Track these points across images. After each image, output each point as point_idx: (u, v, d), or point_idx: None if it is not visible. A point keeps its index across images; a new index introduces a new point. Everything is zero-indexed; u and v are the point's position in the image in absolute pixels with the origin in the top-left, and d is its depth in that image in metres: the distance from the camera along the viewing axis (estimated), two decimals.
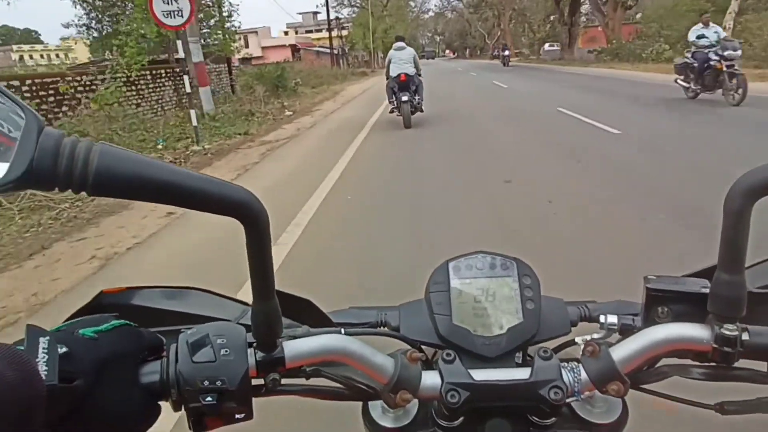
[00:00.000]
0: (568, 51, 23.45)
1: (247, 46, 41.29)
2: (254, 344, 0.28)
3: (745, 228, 0.26)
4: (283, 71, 9.94)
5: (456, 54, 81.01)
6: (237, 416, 0.26)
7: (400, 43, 5.72)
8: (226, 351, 0.26)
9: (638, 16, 25.33)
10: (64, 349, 0.22)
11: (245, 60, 33.44)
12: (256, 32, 39.17)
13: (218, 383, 0.25)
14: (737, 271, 0.27)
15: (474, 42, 65.35)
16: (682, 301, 0.31)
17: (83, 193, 0.19)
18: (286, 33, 46.89)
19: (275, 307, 0.27)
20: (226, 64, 9.50)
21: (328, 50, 22.74)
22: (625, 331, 0.33)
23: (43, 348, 0.21)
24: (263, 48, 40.07)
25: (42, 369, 0.20)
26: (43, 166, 0.18)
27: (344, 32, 30.39)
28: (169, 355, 0.27)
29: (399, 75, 5.42)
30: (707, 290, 0.29)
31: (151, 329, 0.29)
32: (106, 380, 0.24)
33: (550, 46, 35.40)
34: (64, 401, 0.21)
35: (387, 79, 5.78)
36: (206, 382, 0.25)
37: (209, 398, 0.25)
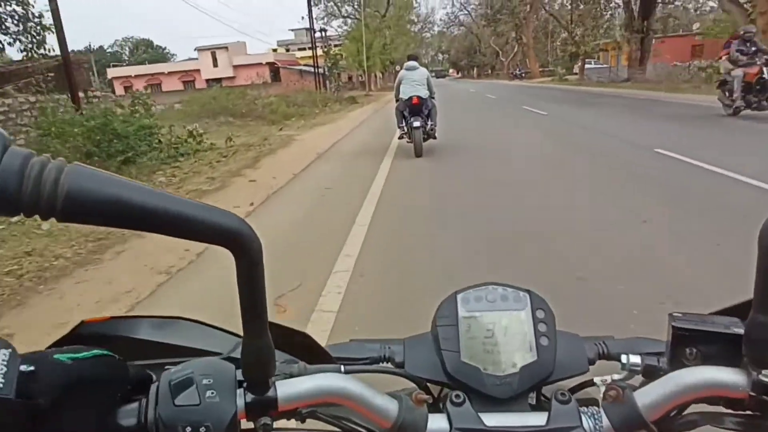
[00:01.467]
0: (637, 68, 20.54)
1: (215, 65, 38.70)
2: (244, 384, 0.31)
3: None
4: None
5: (461, 74, 79.74)
6: None
7: (413, 62, 6.04)
8: (212, 393, 0.29)
9: None
10: (31, 368, 0.26)
11: (214, 81, 32.86)
12: (227, 48, 36.82)
13: (202, 429, 0.28)
14: None
15: (483, 60, 65.12)
16: (713, 341, 0.34)
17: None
18: (274, 50, 44.32)
19: (268, 345, 0.30)
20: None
21: (313, 69, 22.59)
22: (649, 373, 0.36)
23: (3, 360, 0.24)
24: (235, 67, 37.77)
25: None
26: (5, 189, 0.20)
27: (337, 49, 29.51)
28: (149, 396, 0.30)
29: (411, 98, 5.76)
30: (740, 330, 0.32)
31: (137, 362, 0.33)
32: (73, 406, 0.27)
33: (591, 62, 32.87)
34: (18, 418, 0.24)
35: (396, 101, 6.13)
36: (189, 429, 0.28)
37: None
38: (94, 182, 0.22)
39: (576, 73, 31.48)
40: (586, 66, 32.12)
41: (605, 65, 29.62)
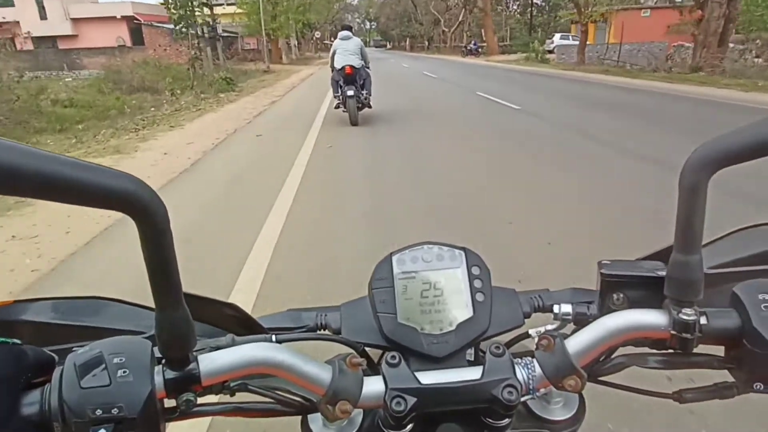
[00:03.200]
0: (716, 51, 14.20)
1: (43, 16, 31.13)
2: (162, 361, 0.35)
3: (702, 204, 0.35)
4: None
5: (390, 45, 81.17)
6: None
7: (346, 32, 7.41)
8: (124, 371, 0.33)
9: None
10: None
11: (47, 39, 27.98)
12: None
13: (115, 411, 0.32)
14: (694, 252, 0.37)
15: (420, 30, 63.87)
16: (638, 286, 0.44)
17: None
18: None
19: (184, 315, 0.34)
20: None
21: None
22: (580, 320, 0.46)
23: None
24: (75, 21, 31.53)
25: None
26: None
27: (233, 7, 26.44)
28: (52, 381, 0.33)
29: (344, 67, 7.12)
30: (663, 273, 0.40)
31: (45, 348, 0.36)
32: None
33: (564, 37, 30.82)
34: None
35: (332, 71, 7.48)
36: (99, 411, 0.31)
37: (102, 430, 0.32)
38: None
39: (551, 51, 28.00)
40: (558, 42, 28.95)
41: (576, 41, 24.27)
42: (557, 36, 33.30)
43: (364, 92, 7.69)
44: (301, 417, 0.47)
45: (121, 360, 0.34)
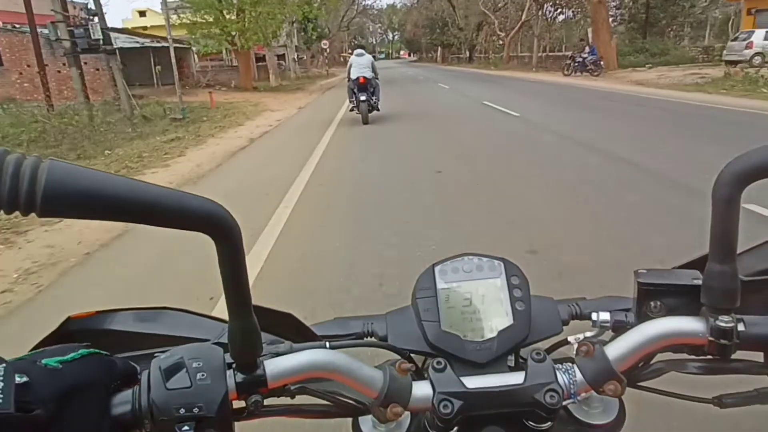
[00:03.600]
0: None
1: None
2: (233, 365, 0.41)
3: (735, 216, 0.40)
4: None
5: (416, 56, 71.96)
6: None
7: (360, 50, 10.50)
8: (203, 375, 0.39)
9: None
10: (24, 379, 0.33)
11: None
12: None
13: (195, 410, 0.38)
14: (729, 261, 0.41)
15: (460, 36, 53.18)
16: (675, 294, 0.48)
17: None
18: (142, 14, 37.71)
19: (254, 325, 0.40)
20: None
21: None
22: (618, 327, 0.50)
23: None
24: None
25: None
26: None
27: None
28: (141, 384, 0.39)
29: (358, 78, 9.96)
30: (699, 282, 0.44)
31: (124, 355, 0.43)
32: (71, 411, 0.36)
33: None
34: (20, 431, 0.32)
35: (348, 81, 10.28)
36: (182, 410, 0.37)
37: (186, 427, 0.37)
38: (71, 177, 0.30)
39: (736, 62, 16.71)
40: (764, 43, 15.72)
41: None
42: (759, 34, 17.90)
43: (374, 98, 10.40)
44: (352, 420, 0.53)
45: (199, 364, 0.40)
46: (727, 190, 0.40)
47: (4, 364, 0.34)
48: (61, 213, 0.30)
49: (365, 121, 10.10)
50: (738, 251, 0.43)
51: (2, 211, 0.29)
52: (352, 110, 10.63)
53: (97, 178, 0.31)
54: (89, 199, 0.31)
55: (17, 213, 0.30)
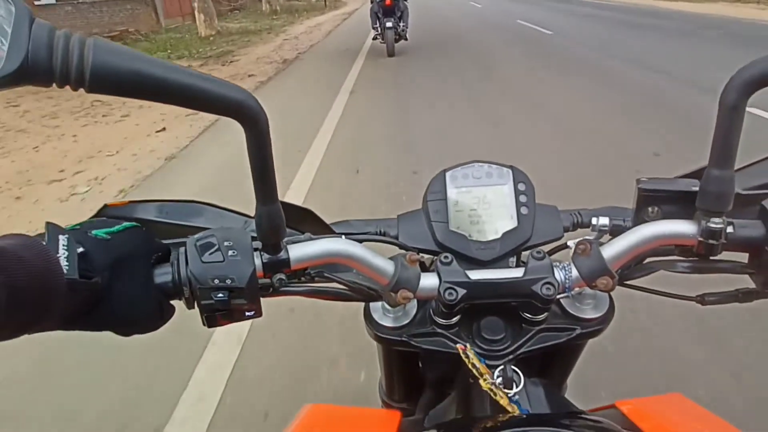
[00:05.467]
0: None
1: None
2: (259, 249, 0.44)
3: (739, 123, 0.41)
4: None
5: None
6: (247, 313, 0.44)
7: None
8: (234, 252, 0.42)
9: None
10: (81, 249, 0.37)
11: None
12: None
13: (228, 281, 0.41)
14: (728, 167, 0.43)
15: None
16: (673, 200, 0.51)
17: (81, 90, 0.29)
18: None
19: (278, 210, 0.43)
20: None
21: None
22: (616, 231, 0.53)
23: (63, 245, 0.36)
24: None
25: (63, 263, 0.35)
26: (38, 60, 0.29)
27: None
28: (179, 257, 0.43)
29: None
30: (696, 188, 0.46)
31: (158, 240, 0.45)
32: (121, 278, 0.40)
33: None
34: (83, 296, 0.37)
35: (372, 2, 8.44)
36: (216, 281, 0.41)
37: (221, 295, 0.41)
38: (116, 56, 0.31)
39: None
40: None
41: None
42: None
43: (402, 24, 8.49)
44: (364, 306, 0.57)
45: (230, 243, 0.43)
46: (734, 96, 0.41)
47: (67, 236, 0.37)
48: (107, 90, 0.32)
49: (391, 53, 8.42)
50: (737, 167, 0.45)
51: (54, 85, 0.31)
52: (375, 38, 9.16)
53: (140, 59, 0.32)
54: (133, 78, 0.32)
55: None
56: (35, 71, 0.29)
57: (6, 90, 0.30)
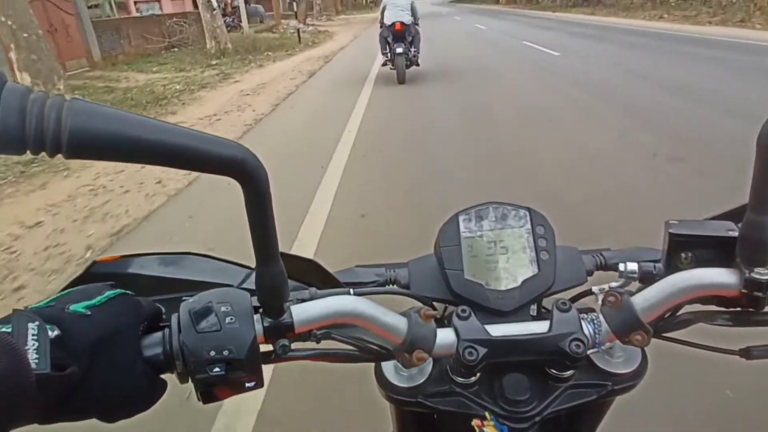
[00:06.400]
0: None
1: None
2: (260, 310, 0.42)
3: None
4: None
5: None
6: (247, 385, 0.41)
7: None
8: (232, 319, 0.40)
9: None
10: (56, 332, 0.34)
11: None
12: None
13: (225, 353, 0.39)
14: None
15: None
16: (707, 245, 0.48)
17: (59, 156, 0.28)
18: None
19: (280, 270, 0.41)
20: None
21: None
22: (646, 278, 0.50)
23: (33, 334, 0.33)
24: None
25: (32, 357, 0.31)
26: (9, 128, 0.27)
27: None
28: (171, 326, 0.40)
29: (394, 23, 7.66)
30: (734, 233, 0.44)
31: (150, 298, 0.43)
32: (102, 361, 0.36)
33: None
34: (57, 389, 0.33)
35: (381, 27, 8.05)
36: (213, 353, 0.38)
37: (217, 369, 0.39)
38: (97, 118, 0.30)
39: None
40: None
41: None
42: None
43: (413, 50, 8.16)
44: (375, 365, 0.54)
45: (227, 309, 0.41)
46: None
47: (37, 322, 0.34)
48: (88, 155, 0.30)
49: (401, 80, 8.12)
50: None
51: (28, 152, 0.29)
52: (384, 64, 8.63)
53: (123, 120, 0.31)
54: (116, 142, 0.30)
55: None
56: (5, 139, 0.28)
57: None
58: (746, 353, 0.49)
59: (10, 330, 0.33)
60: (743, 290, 0.44)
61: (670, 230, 0.50)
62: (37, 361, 0.32)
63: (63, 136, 0.29)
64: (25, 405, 0.31)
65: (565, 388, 0.50)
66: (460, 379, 0.50)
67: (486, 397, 0.50)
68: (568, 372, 0.49)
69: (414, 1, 8.25)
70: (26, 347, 0.32)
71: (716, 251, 0.48)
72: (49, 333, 0.34)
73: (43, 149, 0.29)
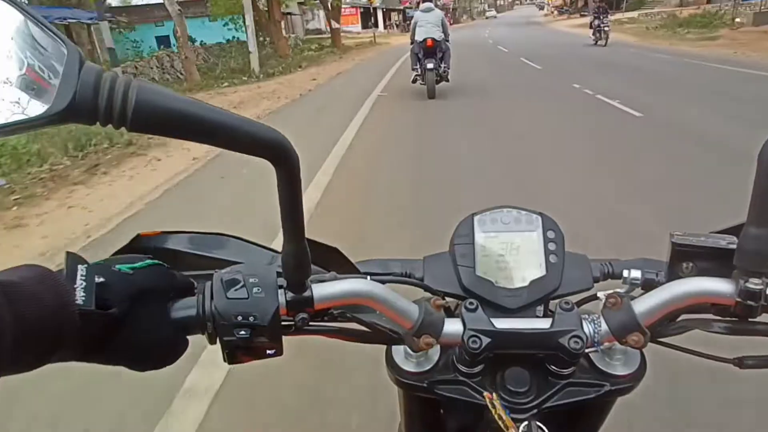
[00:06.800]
0: None
1: None
2: (284, 286, 0.45)
3: None
4: None
5: (571, 6, 39.99)
6: (268, 351, 0.44)
7: (428, 4, 8.08)
8: (258, 289, 0.43)
9: None
10: (101, 279, 0.39)
11: None
12: None
13: (251, 319, 0.42)
14: (767, 225, 0.42)
15: None
16: (708, 257, 0.50)
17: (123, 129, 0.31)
18: None
19: (305, 249, 0.43)
20: None
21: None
22: (648, 285, 0.52)
23: (82, 275, 0.38)
24: None
25: (80, 294, 0.36)
26: (84, 101, 0.31)
27: None
28: (204, 292, 0.44)
29: (425, 39, 7.81)
30: (734, 246, 0.46)
31: (183, 273, 0.47)
32: (138, 312, 0.41)
33: None
34: (98, 327, 0.38)
35: (411, 43, 8.26)
36: (240, 317, 0.42)
37: (243, 332, 0.42)
38: (158, 97, 0.33)
39: None
40: None
41: None
42: None
43: (443, 65, 8.33)
44: (386, 349, 0.57)
45: (255, 280, 0.44)
46: None
47: (86, 266, 0.39)
48: (147, 129, 0.33)
49: (431, 95, 8.24)
50: None
51: (98, 123, 0.32)
52: (414, 81, 8.69)
53: (180, 101, 0.34)
54: (172, 119, 0.34)
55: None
56: (80, 111, 0.31)
57: (52, 128, 0.32)
58: (740, 363, 0.51)
59: (63, 269, 0.38)
60: (738, 299, 0.45)
61: (674, 240, 0.52)
62: (84, 297, 0.37)
63: (128, 111, 0.32)
64: (70, 337, 0.36)
65: (564, 385, 0.52)
66: (464, 368, 0.53)
67: (488, 386, 0.53)
68: (568, 369, 0.51)
69: (444, 17, 8.46)
70: (75, 285, 0.37)
71: (716, 262, 0.50)
72: (96, 279, 0.39)
73: (110, 122, 0.32)
